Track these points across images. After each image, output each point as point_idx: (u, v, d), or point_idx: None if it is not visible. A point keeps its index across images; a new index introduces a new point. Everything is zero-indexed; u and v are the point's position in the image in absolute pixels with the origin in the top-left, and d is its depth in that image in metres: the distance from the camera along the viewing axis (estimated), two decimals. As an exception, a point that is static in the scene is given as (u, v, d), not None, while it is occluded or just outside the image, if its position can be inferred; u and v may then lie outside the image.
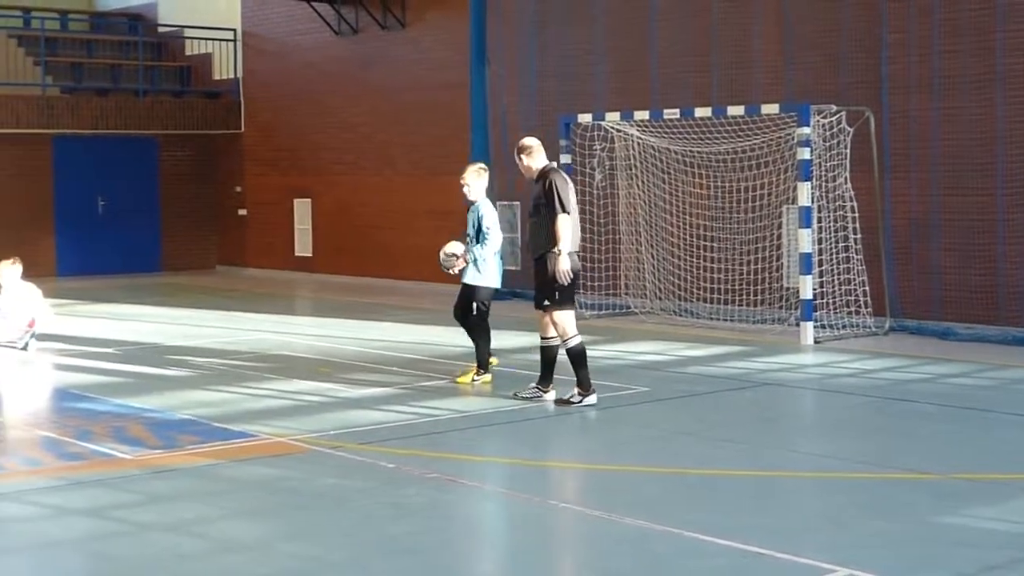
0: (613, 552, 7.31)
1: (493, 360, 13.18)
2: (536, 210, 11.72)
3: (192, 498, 8.69)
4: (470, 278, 12.83)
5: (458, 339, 16.35)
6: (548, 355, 11.77)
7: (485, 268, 12.75)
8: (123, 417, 11.52)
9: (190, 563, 7.17)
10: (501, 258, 13.12)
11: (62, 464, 9.66)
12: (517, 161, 11.96)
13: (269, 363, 14.77)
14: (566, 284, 11.50)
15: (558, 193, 11.38)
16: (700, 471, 9.31)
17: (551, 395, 11.81)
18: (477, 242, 12.77)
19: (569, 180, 11.92)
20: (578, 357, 11.46)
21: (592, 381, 11.53)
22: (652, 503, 8.21)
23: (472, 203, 12.93)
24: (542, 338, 11.82)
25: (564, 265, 11.28)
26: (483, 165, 13.63)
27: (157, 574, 6.92)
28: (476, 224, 12.81)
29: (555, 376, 12.01)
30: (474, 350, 12.99)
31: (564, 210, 11.33)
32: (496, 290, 13.20)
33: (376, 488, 8.84)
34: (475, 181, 13.03)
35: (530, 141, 11.98)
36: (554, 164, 11.93)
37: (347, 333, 17.30)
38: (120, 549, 7.54)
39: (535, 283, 11.78)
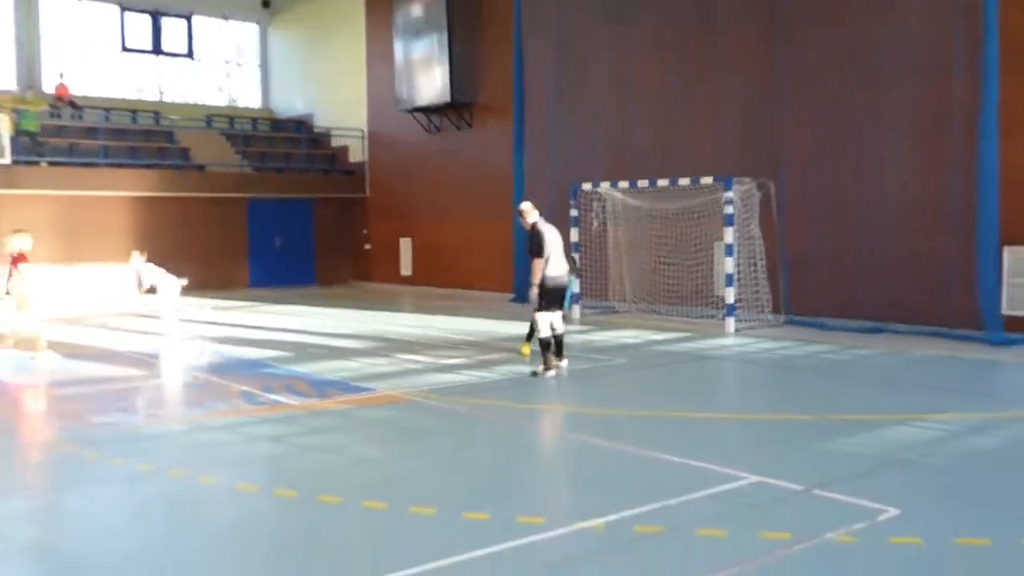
0: (600, 462, 7.78)
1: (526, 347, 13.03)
2: (529, 251, 11.55)
3: (336, 430, 9.19)
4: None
5: (502, 327, 16.40)
6: (542, 343, 11.42)
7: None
8: (292, 378, 11.87)
9: (336, 471, 7.70)
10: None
11: (253, 407, 10.10)
12: (519, 217, 11.93)
13: (385, 343, 15.22)
14: (533, 305, 11.53)
15: (539, 242, 11.27)
16: (660, 413, 9.59)
17: (563, 363, 11.63)
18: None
19: (554, 230, 11.65)
20: (544, 345, 11.34)
21: (555, 363, 11.45)
22: (629, 434, 8.58)
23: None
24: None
25: (532, 294, 11.41)
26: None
27: (314, 478, 7.37)
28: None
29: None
30: (529, 332, 12.83)
31: (540, 255, 11.23)
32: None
33: (453, 425, 9.25)
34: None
35: (524, 206, 11.91)
36: (541, 219, 11.64)
37: (434, 324, 17.68)
38: (290, 462, 8.12)
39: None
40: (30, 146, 23.93)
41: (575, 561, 5.33)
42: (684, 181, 16.61)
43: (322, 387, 11.04)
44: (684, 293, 17.38)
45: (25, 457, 8.04)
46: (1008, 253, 13.78)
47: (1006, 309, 13.73)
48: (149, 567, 5.49)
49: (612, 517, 5.99)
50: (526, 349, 12.96)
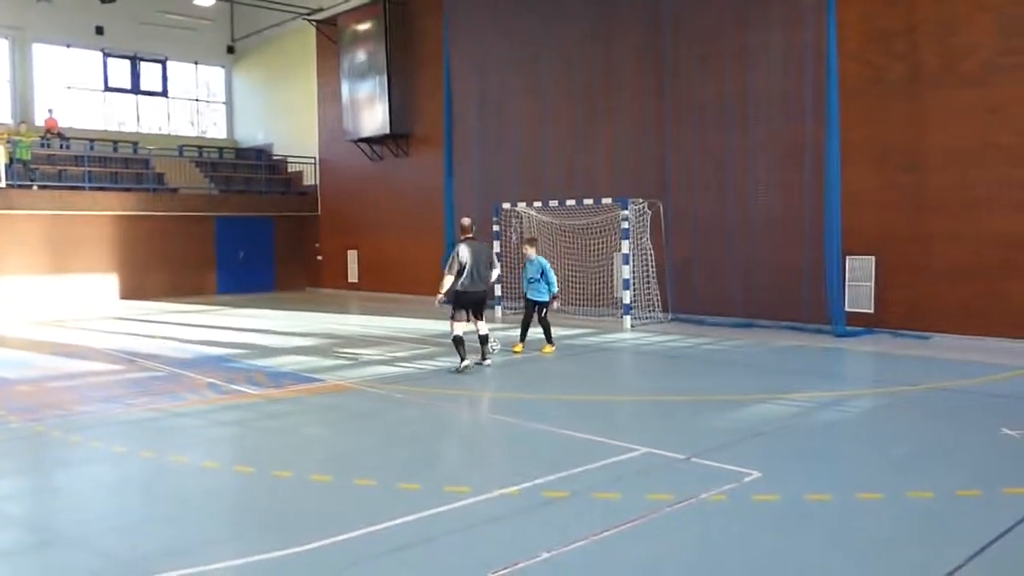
0: (517, 439, 7.72)
1: (518, 348, 12.84)
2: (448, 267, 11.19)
3: (290, 415, 9.10)
4: (540, 296, 12.70)
5: (435, 325, 16.33)
6: (454, 340, 11.09)
7: (545, 291, 12.71)
8: (252, 371, 11.64)
9: (289, 450, 7.70)
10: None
11: (218, 396, 9.91)
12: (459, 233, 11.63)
13: (334, 340, 14.97)
14: (440, 306, 11.88)
15: (452, 260, 11.10)
16: (568, 397, 9.70)
17: (487, 362, 11.41)
18: (545, 279, 12.62)
19: (477, 247, 11.38)
20: (456, 343, 10.99)
21: (472, 360, 11.11)
22: (541, 415, 8.54)
23: (535, 259, 12.78)
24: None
25: (438, 299, 11.25)
26: (533, 237, 14.13)
27: (270, 456, 7.28)
28: (539, 272, 12.66)
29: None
30: (544, 334, 12.85)
31: (449, 272, 11.04)
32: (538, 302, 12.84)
33: (392, 408, 9.13)
34: (530, 250, 12.94)
35: (464, 221, 11.71)
36: (464, 238, 11.38)
37: (376, 323, 17.40)
38: (249, 443, 8.10)
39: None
40: (23, 172, 23.16)
41: (492, 522, 5.30)
42: (588, 201, 16.66)
43: (278, 378, 10.83)
44: (589, 295, 17.43)
45: (17, 442, 7.71)
46: (849, 261, 14.19)
47: (848, 307, 14.12)
48: (123, 532, 5.34)
49: (525, 485, 5.98)
50: (548, 349, 12.68)
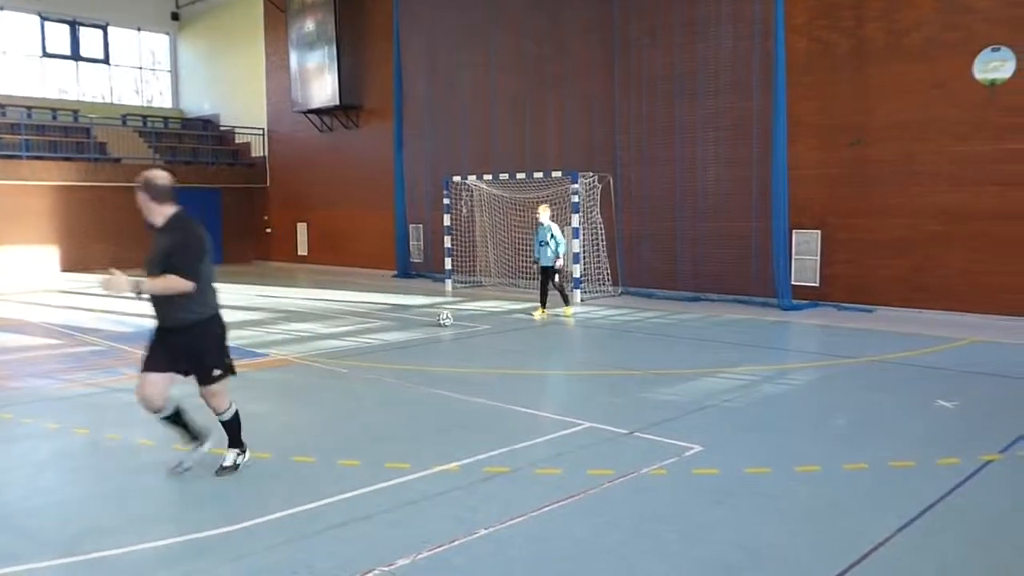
0: (460, 414, 7.62)
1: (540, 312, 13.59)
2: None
3: (232, 391, 8.44)
4: (549, 263, 13.40)
5: (385, 299, 16.21)
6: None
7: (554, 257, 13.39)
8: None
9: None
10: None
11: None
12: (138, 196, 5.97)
13: (280, 313, 14.77)
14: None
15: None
16: (514, 371, 9.62)
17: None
18: (552, 244, 13.26)
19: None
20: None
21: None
22: (486, 390, 8.48)
23: (546, 226, 13.40)
24: (219, 413, 5.91)
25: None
26: (546, 204, 14.21)
27: (213, 432, 6.75)
28: (549, 235, 13.30)
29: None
30: (562, 298, 13.68)
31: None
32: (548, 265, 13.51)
33: (336, 384, 9.02)
34: (543, 213, 13.57)
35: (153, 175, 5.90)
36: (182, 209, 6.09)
37: (325, 297, 17.15)
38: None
39: (197, 350, 5.76)
40: (-46, 140, 22.32)
41: (431, 498, 5.23)
42: (538, 174, 16.63)
43: (222, 353, 10.60)
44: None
45: (-62, 422, 7.43)
46: (795, 235, 14.34)
47: (794, 280, 14.30)
48: (51, 511, 5.18)
49: (466, 461, 5.94)
50: (567, 311, 13.58)
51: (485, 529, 4.70)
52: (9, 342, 11.76)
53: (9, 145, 23.62)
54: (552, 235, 13.24)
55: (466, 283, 18.60)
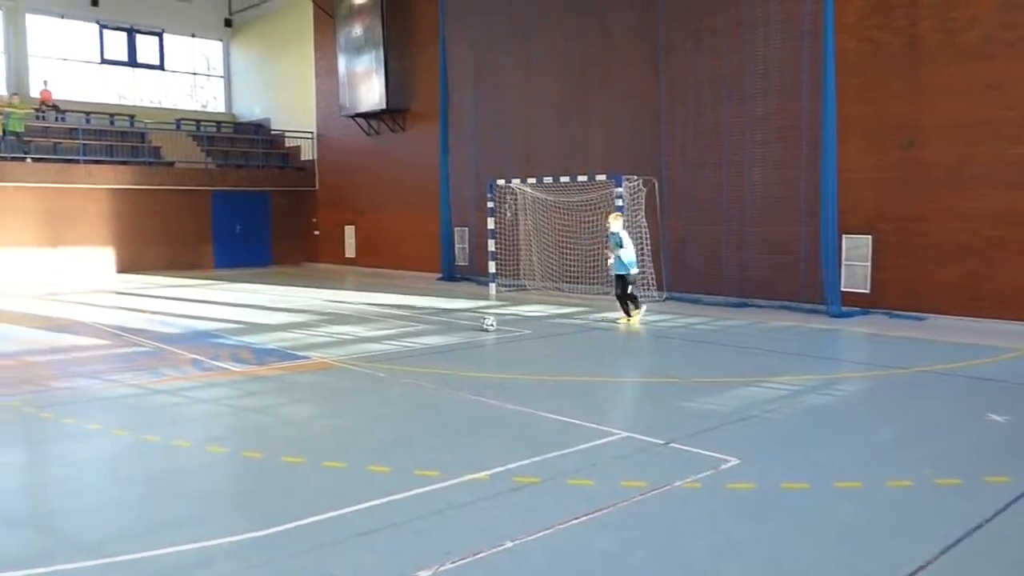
0: (495, 421, 7.61)
1: (635, 315, 13.34)
2: None
3: (269, 393, 8.89)
4: (622, 270, 13.25)
5: (429, 302, 16.24)
6: None
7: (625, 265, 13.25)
8: (238, 347, 11.58)
9: (264, 430, 7.55)
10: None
11: (200, 373, 9.78)
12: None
13: (324, 316, 14.86)
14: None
15: None
16: (553, 378, 9.36)
17: None
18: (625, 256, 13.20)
19: None
20: None
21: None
22: (522, 396, 8.35)
23: (614, 233, 13.30)
24: None
25: None
26: (618, 212, 14.07)
27: (243, 436, 7.17)
28: (619, 243, 13.17)
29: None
30: (632, 307, 13.39)
31: None
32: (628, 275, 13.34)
33: (373, 388, 8.98)
34: (614, 222, 13.44)
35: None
36: None
37: (369, 299, 17.29)
38: (224, 422, 7.92)
39: None
40: (16, 144, 22.98)
41: (458, 508, 5.15)
42: (582, 178, 16.48)
43: (263, 355, 10.71)
44: (582, 273, 17.32)
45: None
46: (845, 240, 13.98)
47: (844, 287, 13.93)
48: (83, 513, 5.23)
49: (497, 469, 5.84)
50: (634, 320, 13.23)
51: (511, 541, 4.61)
52: (60, 342, 12.04)
53: (68, 149, 24.27)
54: (621, 243, 13.12)
55: (510, 287, 18.54)
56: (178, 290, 19.61)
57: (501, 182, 18.20)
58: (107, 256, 24.38)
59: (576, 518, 4.93)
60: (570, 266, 17.48)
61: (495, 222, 18.25)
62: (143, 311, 15.41)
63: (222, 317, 14.57)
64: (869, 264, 13.83)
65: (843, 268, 13.99)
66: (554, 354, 11.07)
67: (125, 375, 9.46)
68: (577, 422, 7.19)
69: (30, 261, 22.94)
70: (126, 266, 24.56)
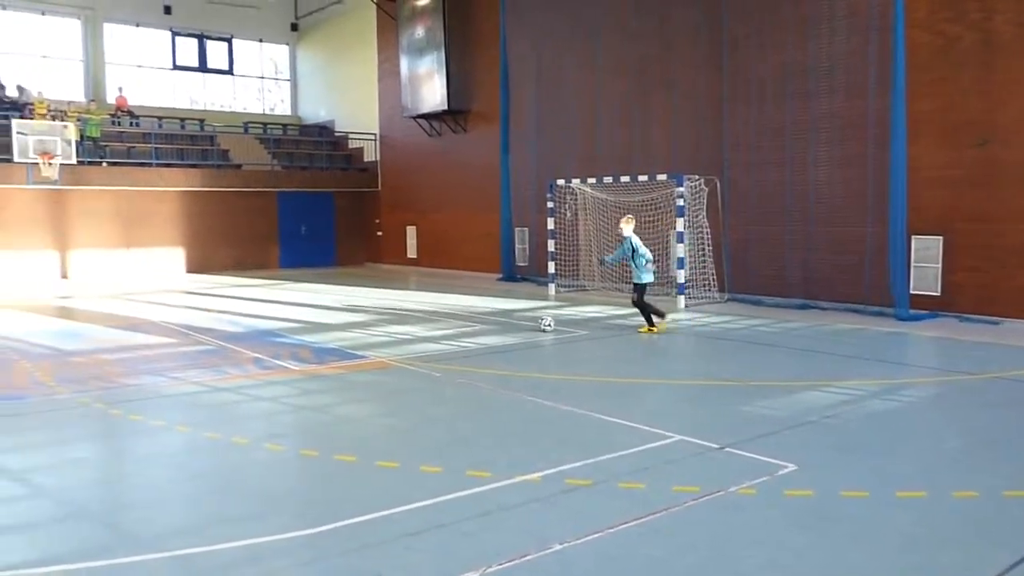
0: (549, 422, 7.54)
1: (661, 324, 12.48)
2: None
3: (327, 392, 8.99)
4: (637, 279, 12.46)
5: (488, 302, 16.27)
6: None
7: (642, 274, 12.43)
8: (299, 346, 11.72)
9: (320, 428, 7.65)
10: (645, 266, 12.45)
11: (261, 372, 9.94)
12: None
13: (384, 316, 14.97)
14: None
15: None
16: (609, 379, 9.29)
17: None
18: (633, 260, 12.42)
19: None
20: None
21: None
22: (577, 397, 8.28)
23: (626, 238, 12.58)
24: None
25: None
26: (630, 216, 13.12)
27: (300, 434, 7.28)
28: (632, 249, 12.42)
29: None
30: (644, 316, 12.50)
31: None
32: (647, 284, 12.54)
33: (430, 387, 9.04)
34: (626, 226, 12.70)
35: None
36: None
37: (429, 299, 17.34)
38: (282, 420, 7.99)
39: None
40: (93, 149, 23.80)
41: (508, 510, 5.13)
42: (643, 178, 16.33)
43: (322, 354, 10.85)
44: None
45: (60, 414, 7.87)
46: (915, 242, 13.54)
47: (912, 289, 13.50)
48: (143, 507, 5.38)
49: (549, 471, 5.80)
50: (654, 329, 12.32)
51: (559, 544, 4.57)
52: (131, 340, 12.41)
53: (142, 153, 25.07)
54: (634, 251, 12.39)
55: (570, 287, 18.46)
56: (244, 290, 20.05)
57: (561, 182, 18.14)
58: (178, 256, 25.09)
59: (626, 522, 4.87)
60: (630, 267, 17.30)
61: (555, 222, 18.20)
62: (209, 310, 15.79)
63: (285, 316, 14.83)
64: (939, 266, 13.37)
65: (912, 270, 13.55)
66: (611, 355, 10.97)
67: (189, 373, 9.69)
68: (631, 424, 7.11)
69: (105, 262, 23.74)
70: (195, 266, 25.23)
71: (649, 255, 12.49)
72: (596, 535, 4.71)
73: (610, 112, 18.70)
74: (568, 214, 18.27)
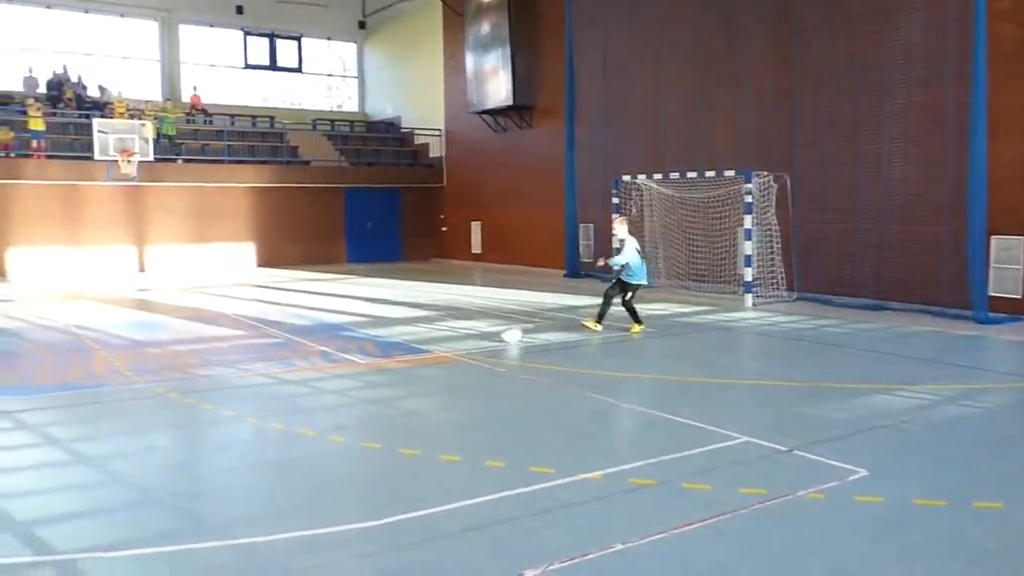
0: (612, 420, 7.52)
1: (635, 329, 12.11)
2: None
3: (392, 385, 9.08)
4: (627, 278, 12.10)
5: (552, 298, 16.17)
6: None
7: (634, 273, 12.11)
8: (365, 340, 11.82)
9: (384, 421, 7.70)
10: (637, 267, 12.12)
11: (327, 365, 10.03)
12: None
13: (449, 311, 15.04)
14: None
15: None
16: (673, 378, 9.18)
17: None
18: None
19: None
20: None
21: None
22: (641, 396, 8.39)
23: (621, 240, 12.25)
24: None
25: None
26: (623, 216, 12.97)
27: (364, 427, 7.34)
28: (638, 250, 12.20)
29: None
30: (630, 315, 12.22)
31: None
32: (639, 284, 12.26)
33: (493, 382, 9.05)
34: (620, 227, 12.52)
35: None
36: None
37: (494, 295, 17.45)
38: (347, 412, 8.03)
39: None
40: (168, 147, 24.50)
41: (571, 507, 5.09)
42: (710, 173, 16.08)
43: (388, 348, 10.95)
44: (709, 272, 16.86)
45: (138, 402, 8.11)
46: (995, 242, 13.02)
47: (992, 291, 13.00)
48: (210, 496, 5.51)
49: (611, 470, 5.75)
50: (637, 328, 12.03)
51: (621, 544, 4.51)
52: (203, 332, 12.73)
53: (215, 151, 25.71)
54: (637, 249, 12.14)
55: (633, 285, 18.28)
56: (311, 284, 20.41)
57: (627, 178, 17.98)
58: (248, 251, 25.66)
59: (690, 524, 4.78)
60: (697, 264, 17.08)
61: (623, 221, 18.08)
62: (278, 304, 16.11)
63: (351, 311, 15.01)
64: (1021, 267, 12.84)
65: (991, 271, 13.04)
66: (676, 353, 10.83)
67: (258, 365, 9.89)
68: (696, 424, 6.99)
69: (180, 256, 24.43)
70: (265, 261, 25.77)
71: (633, 256, 12.07)
72: (659, 535, 4.63)
73: (676, 107, 18.46)
74: (633, 210, 18.10)
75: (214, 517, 5.10)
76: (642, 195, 18.14)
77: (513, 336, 11.36)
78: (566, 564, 4.28)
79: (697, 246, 17.04)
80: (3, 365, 10.22)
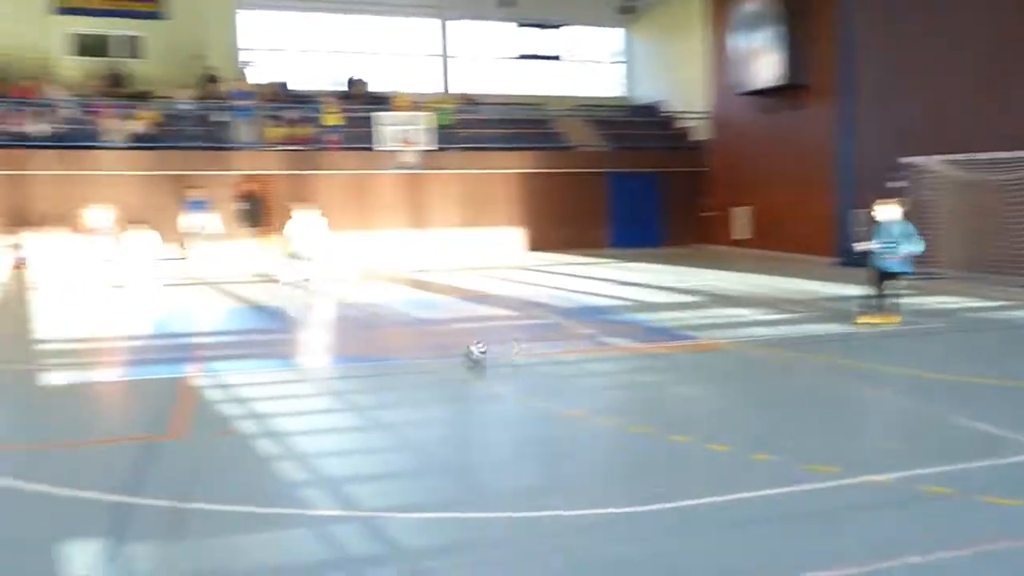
0: (896, 420, 7.12)
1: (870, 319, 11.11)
2: None
3: (658, 371, 9.10)
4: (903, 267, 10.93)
5: (823, 287, 15.36)
6: None
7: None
8: (627, 324, 11.83)
9: (651, 406, 7.66)
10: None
11: (592, 347, 10.23)
12: None
13: (713, 297, 14.73)
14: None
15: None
16: (967, 378, 8.19)
17: None
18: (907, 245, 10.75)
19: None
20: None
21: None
22: (931, 396, 7.55)
23: (899, 222, 11.04)
24: None
25: None
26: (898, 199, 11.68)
27: (631, 411, 7.34)
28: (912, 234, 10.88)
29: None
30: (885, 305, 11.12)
31: None
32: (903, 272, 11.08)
33: (760, 372, 8.84)
34: (891, 209, 11.29)
35: None
36: None
37: (760, 282, 16.78)
38: (614, 395, 8.13)
39: None
40: (444, 137, 26.12)
41: (853, 511, 4.75)
42: (1005, 155, 14.30)
43: (651, 334, 10.90)
44: (1010, 262, 15.01)
45: (423, 376, 8.75)
46: None
47: None
48: (485, 467, 5.83)
49: (899, 474, 5.29)
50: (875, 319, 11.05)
51: (919, 557, 4.14)
52: (478, 312, 13.44)
53: (485, 138, 27.00)
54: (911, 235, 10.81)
55: (919, 275, 16.69)
56: (575, 268, 20.82)
57: (909, 160, 16.46)
58: (517, 235, 26.69)
59: (991, 542, 4.30)
60: (993, 254, 15.21)
61: (900, 204, 16.60)
62: (545, 287, 16.59)
63: (615, 295, 15.10)
64: None
65: None
66: (970, 351, 9.81)
67: (528, 344, 10.27)
68: (998, 431, 6.25)
69: (454, 239, 25.98)
70: (533, 245, 26.66)
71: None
72: (962, 551, 4.20)
73: (966, 83, 16.57)
74: (915, 194, 16.54)
75: (491, 489, 5.38)
76: (927, 178, 16.52)
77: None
78: (846, 573, 4.01)
79: (995, 234, 15.22)
80: (323, 338, 11.48)
